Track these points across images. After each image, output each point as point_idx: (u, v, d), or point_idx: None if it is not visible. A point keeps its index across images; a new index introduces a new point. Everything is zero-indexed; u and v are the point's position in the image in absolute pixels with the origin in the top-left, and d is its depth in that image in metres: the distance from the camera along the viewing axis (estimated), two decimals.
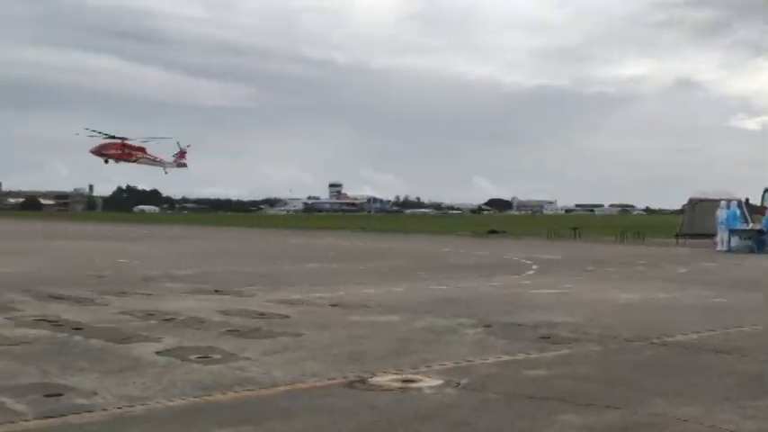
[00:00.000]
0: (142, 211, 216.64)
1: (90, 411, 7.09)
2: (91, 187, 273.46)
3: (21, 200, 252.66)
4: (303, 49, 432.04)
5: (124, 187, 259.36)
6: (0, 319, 12.78)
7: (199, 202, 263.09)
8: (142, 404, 7.35)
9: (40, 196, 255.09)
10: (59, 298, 15.74)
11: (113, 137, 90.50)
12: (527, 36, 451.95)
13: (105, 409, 7.15)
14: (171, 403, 7.42)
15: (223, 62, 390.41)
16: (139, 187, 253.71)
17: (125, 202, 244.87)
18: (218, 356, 9.64)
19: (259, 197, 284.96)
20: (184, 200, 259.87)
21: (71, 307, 14.39)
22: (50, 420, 6.80)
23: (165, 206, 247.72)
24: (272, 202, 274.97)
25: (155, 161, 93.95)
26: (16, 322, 12.40)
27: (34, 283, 18.72)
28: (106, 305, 14.69)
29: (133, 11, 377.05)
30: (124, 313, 13.53)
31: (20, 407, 7.19)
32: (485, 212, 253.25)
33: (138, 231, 61.75)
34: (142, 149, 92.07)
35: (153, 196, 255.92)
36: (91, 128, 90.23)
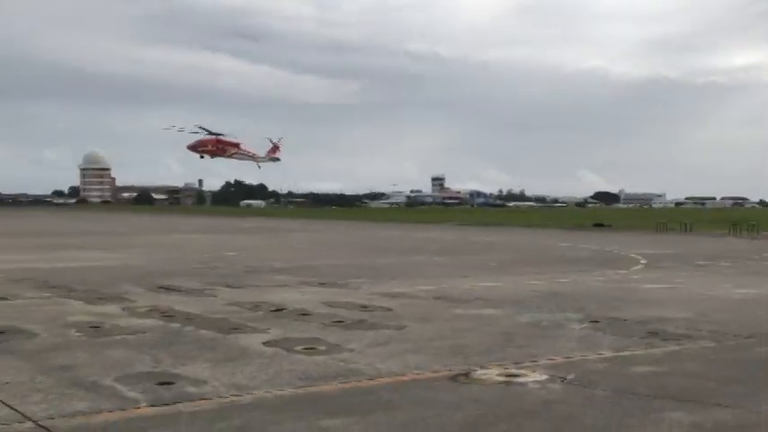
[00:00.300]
0: (249, 205, 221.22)
1: (200, 399, 7.29)
2: (200, 182, 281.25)
3: (134, 194, 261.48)
4: (408, 44, 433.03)
5: (232, 182, 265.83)
6: (116, 309, 13.28)
7: (304, 196, 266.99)
8: (250, 393, 7.52)
9: (152, 191, 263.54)
10: (171, 289, 16.24)
11: (210, 132, 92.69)
12: (636, 27, 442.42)
13: (215, 398, 7.35)
14: (278, 393, 7.56)
15: (329, 59, 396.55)
16: (246, 182, 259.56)
17: (233, 196, 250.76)
18: (323, 348, 9.78)
19: (363, 191, 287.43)
20: (290, 194, 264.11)
21: (182, 298, 14.83)
22: (163, 408, 7.02)
23: (272, 200, 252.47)
24: (374, 196, 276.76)
25: (249, 156, 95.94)
26: (131, 313, 12.86)
27: (147, 274, 19.37)
28: (215, 296, 15.08)
29: (245, 10, 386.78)
30: (232, 304, 13.86)
31: (134, 394, 7.46)
32: (590, 205, 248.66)
33: (245, 225, 63.14)
34: (236, 145, 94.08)
35: (260, 190, 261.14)
36: (201, 124, 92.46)
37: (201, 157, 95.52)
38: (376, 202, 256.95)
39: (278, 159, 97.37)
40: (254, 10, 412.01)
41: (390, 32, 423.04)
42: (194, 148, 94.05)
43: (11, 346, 9.85)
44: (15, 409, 6.91)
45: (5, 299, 14.67)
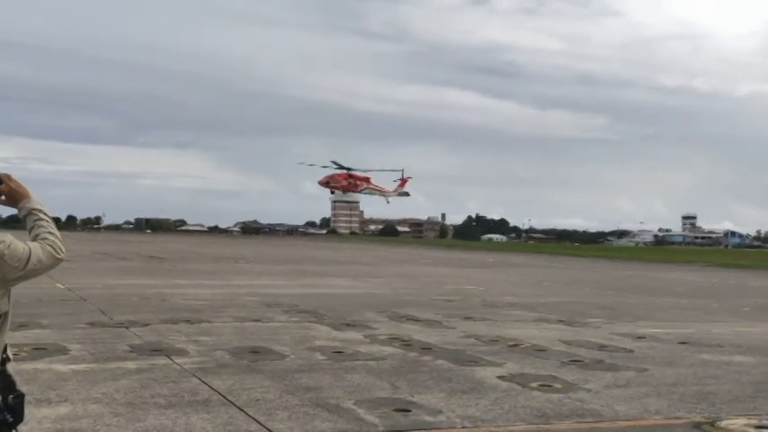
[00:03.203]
0: (490, 239, 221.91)
1: (435, 429, 7.43)
2: (443, 216, 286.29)
3: (380, 226, 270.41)
4: (661, 78, 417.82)
5: (474, 216, 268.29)
6: (358, 336, 13.80)
7: (545, 232, 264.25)
8: (483, 426, 7.56)
9: (397, 223, 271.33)
10: (411, 319, 16.63)
11: (341, 167, 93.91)
12: None
13: (449, 428, 7.45)
14: (511, 428, 7.55)
15: (577, 93, 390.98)
16: (488, 217, 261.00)
17: (474, 230, 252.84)
18: (559, 386, 9.64)
19: (608, 228, 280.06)
20: (531, 229, 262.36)
21: (420, 328, 15.15)
22: None
23: (513, 235, 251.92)
24: (620, 234, 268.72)
25: (378, 191, 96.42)
26: (372, 340, 13.32)
27: (388, 304, 19.97)
28: (453, 328, 15.27)
29: (493, 47, 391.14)
30: (469, 337, 13.98)
31: (372, 418, 7.73)
32: None
33: (484, 259, 63.37)
34: (367, 179, 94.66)
35: (501, 225, 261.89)
36: (335, 159, 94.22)
37: (332, 192, 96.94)
38: (621, 240, 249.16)
39: (407, 194, 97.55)
40: (502, 46, 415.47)
41: (643, 65, 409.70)
42: (326, 183, 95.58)
43: (262, 366, 10.52)
44: (263, 425, 7.37)
45: (259, 321, 15.66)
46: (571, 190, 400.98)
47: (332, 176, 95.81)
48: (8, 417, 3.46)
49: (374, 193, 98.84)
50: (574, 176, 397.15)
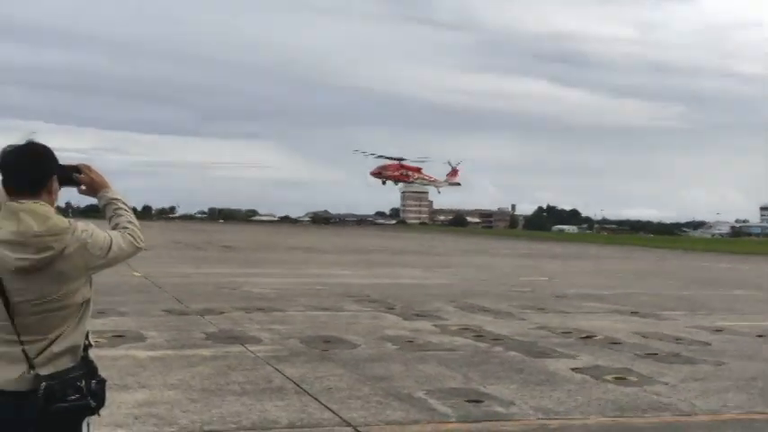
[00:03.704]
0: (561, 230, 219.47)
1: (507, 420, 7.38)
2: (513, 207, 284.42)
3: (450, 217, 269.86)
4: (737, 65, 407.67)
5: (545, 207, 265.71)
6: (429, 325, 13.78)
7: (618, 222, 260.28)
8: (558, 418, 7.48)
9: (466, 214, 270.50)
10: (482, 310, 16.55)
11: (391, 158, 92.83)
12: None
13: (522, 419, 7.39)
14: (586, 421, 7.45)
15: (650, 82, 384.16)
16: (559, 207, 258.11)
17: (545, 221, 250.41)
18: (634, 379, 9.48)
19: (683, 219, 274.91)
20: (604, 220, 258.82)
21: (492, 319, 15.06)
22: (471, 425, 7.20)
23: (584, 226, 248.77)
24: (695, 225, 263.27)
25: (430, 181, 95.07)
26: (443, 330, 13.29)
27: (459, 294, 19.90)
28: (525, 320, 15.14)
29: (563, 35, 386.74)
30: (542, 328, 13.85)
31: (444, 409, 7.71)
32: None
33: (556, 250, 62.71)
34: (418, 170, 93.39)
35: (572, 216, 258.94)
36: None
37: (384, 183, 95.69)
38: (697, 231, 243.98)
39: (458, 184, 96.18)
40: (574, 34, 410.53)
41: (720, 53, 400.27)
42: (378, 174, 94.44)
43: (334, 355, 10.58)
44: (336, 413, 7.42)
45: (331, 310, 15.77)
46: (643, 180, 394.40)
47: (384, 167, 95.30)
48: (91, 401, 3.53)
49: (426, 184, 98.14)
50: (646, 166, 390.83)
